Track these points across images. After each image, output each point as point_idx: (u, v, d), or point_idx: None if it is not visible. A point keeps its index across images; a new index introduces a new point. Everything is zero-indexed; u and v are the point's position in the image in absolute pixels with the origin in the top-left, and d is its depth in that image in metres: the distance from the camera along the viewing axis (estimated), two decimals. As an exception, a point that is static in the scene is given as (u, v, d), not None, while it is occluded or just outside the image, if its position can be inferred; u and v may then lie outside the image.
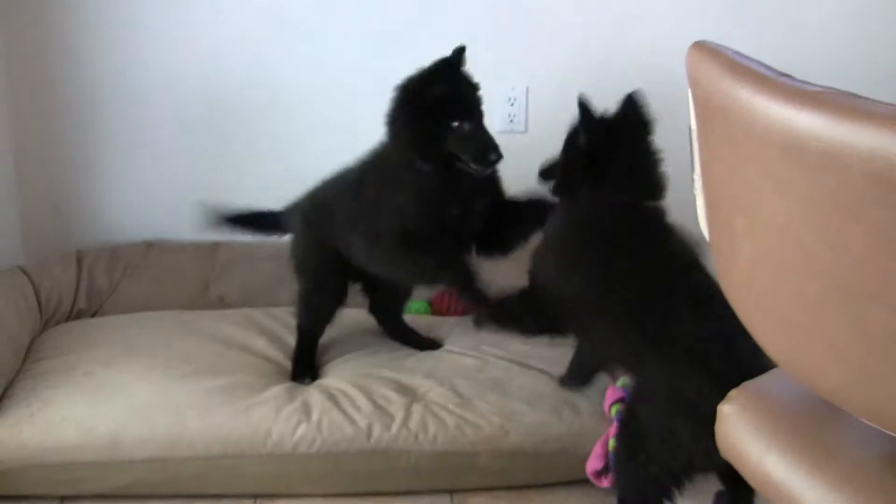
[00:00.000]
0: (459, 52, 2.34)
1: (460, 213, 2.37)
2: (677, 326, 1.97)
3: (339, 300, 2.61)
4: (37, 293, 2.77)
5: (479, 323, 2.35)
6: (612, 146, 2.14)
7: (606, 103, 2.98)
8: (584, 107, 2.13)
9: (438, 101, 2.29)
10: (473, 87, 2.37)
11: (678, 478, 1.98)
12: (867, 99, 1.01)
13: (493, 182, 2.45)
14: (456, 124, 2.29)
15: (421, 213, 2.34)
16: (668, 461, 1.95)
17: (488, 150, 2.28)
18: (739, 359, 1.86)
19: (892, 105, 0.99)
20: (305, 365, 2.57)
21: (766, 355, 1.93)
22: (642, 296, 2.02)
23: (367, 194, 2.43)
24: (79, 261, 2.97)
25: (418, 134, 2.32)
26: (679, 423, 1.91)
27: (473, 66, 3.02)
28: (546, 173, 2.27)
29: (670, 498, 2.00)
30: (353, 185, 2.48)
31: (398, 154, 2.37)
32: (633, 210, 2.15)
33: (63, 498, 2.24)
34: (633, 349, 2.05)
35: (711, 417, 1.82)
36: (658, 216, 2.16)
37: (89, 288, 2.92)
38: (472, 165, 2.30)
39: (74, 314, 2.86)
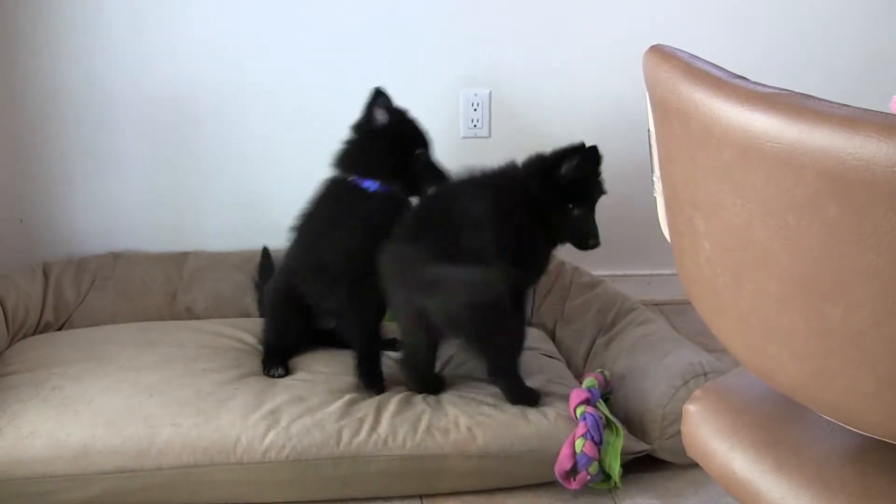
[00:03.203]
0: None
1: None
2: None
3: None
4: (3, 307, 2.74)
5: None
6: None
7: (569, 106, 3.02)
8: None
9: (407, 132, 2.61)
10: None
11: (427, 349, 2.49)
12: (819, 99, 1.03)
13: None
14: (419, 151, 2.60)
15: (368, 244, 2.45)
16: (414, 340, 2.48)
17: (441, 176, 2.61)
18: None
19: (843, 105, 1.01)
20: (277, 357, 2.58)
21: (428, 263, 2.29)
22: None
23: (317, 228, 2.61)
24: (45, 273, 2.95)
25: (395, 159, 2.57)
26: (407, 321, 2.46)
27: (437, 72, 3.05)
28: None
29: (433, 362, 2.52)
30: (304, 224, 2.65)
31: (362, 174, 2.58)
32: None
33: (33, 511, 2.22)
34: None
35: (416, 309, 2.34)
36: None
37: (56, 300, 2.90)
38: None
39: (42, 327, 2.84)
